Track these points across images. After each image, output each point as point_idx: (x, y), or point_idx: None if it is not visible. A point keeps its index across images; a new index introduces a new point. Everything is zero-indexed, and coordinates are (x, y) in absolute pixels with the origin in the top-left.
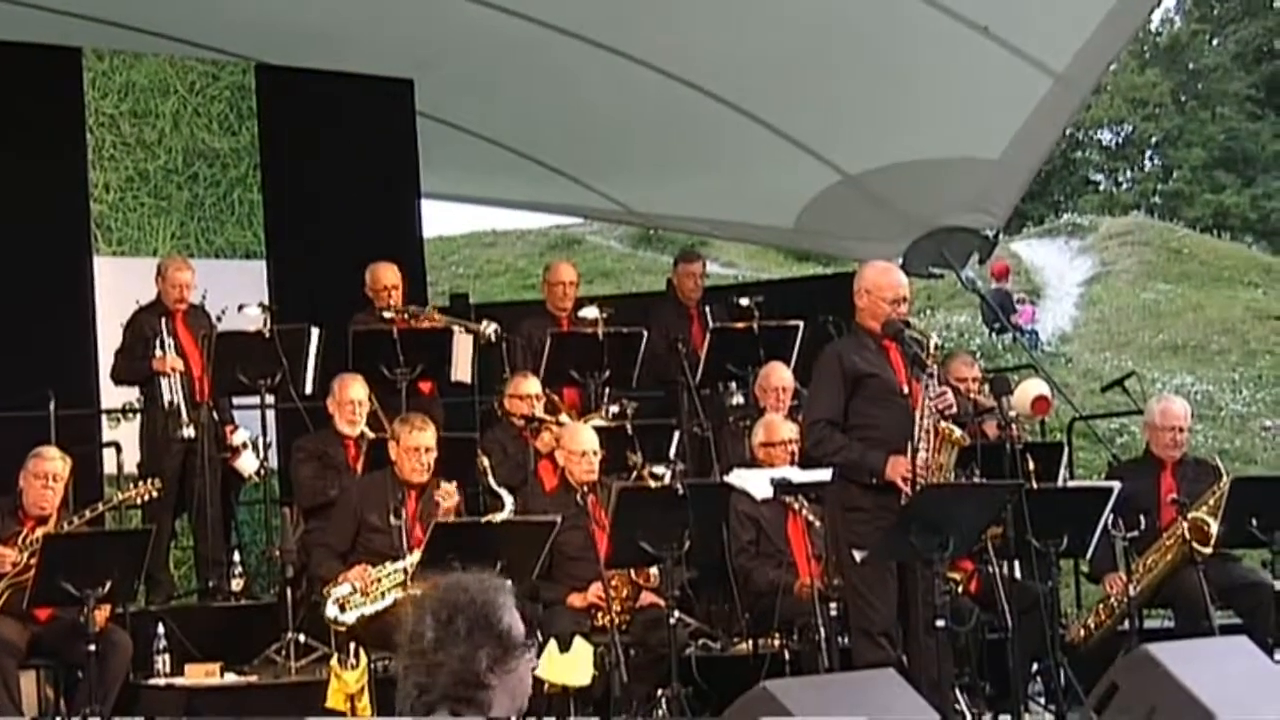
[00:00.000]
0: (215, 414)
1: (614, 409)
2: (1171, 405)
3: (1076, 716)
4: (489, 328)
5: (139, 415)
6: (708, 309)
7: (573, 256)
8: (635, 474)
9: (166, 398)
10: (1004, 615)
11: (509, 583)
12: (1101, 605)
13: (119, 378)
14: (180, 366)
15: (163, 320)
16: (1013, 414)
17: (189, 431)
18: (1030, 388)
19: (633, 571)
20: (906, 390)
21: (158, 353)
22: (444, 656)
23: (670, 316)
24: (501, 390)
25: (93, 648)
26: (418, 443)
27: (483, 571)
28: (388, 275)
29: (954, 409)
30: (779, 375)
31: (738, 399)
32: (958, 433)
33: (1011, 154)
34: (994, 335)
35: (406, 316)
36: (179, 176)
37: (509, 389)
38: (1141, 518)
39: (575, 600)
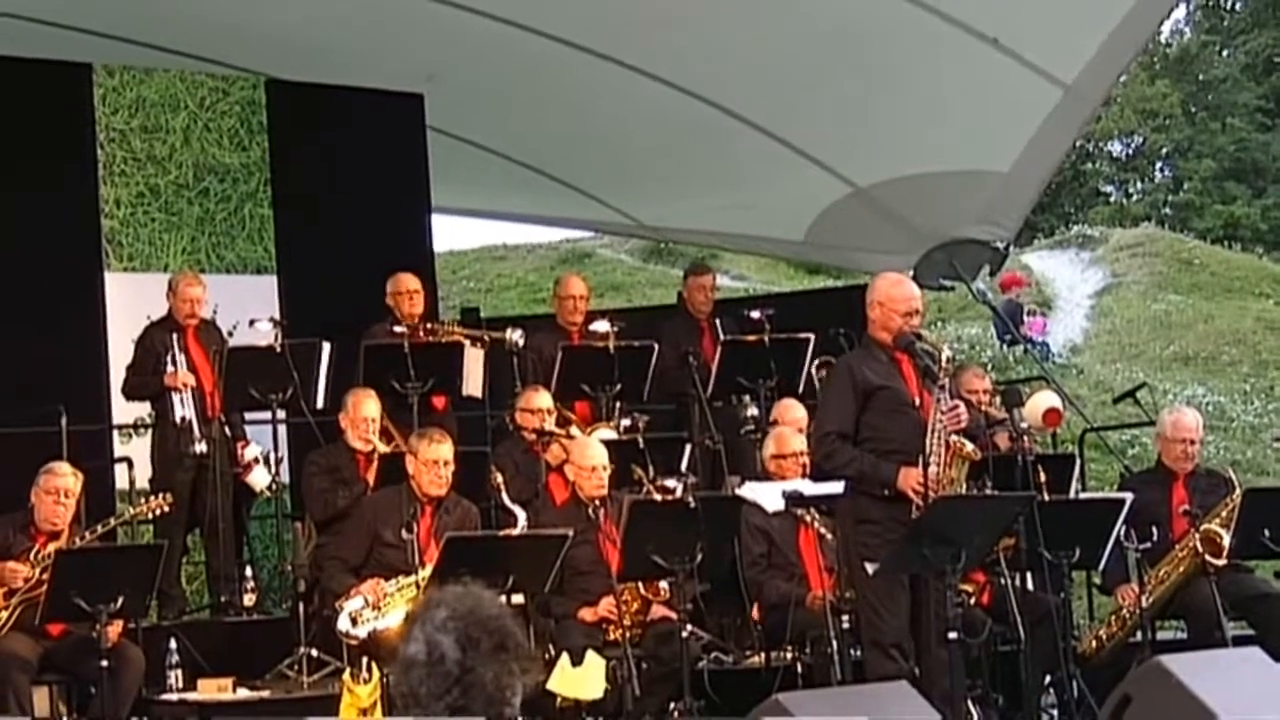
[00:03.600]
0: (227, 429)
1: (625, 422)
2: (1183, 417)
3: None
4: (514, 333)
5: (150, 431)
6: (718, 322)
7: (583, 270)
8: (643, 488)
9: (178, 413)
10: (1016, 627)
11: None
12: (1114, 617)
13: (130, 393)
14: (191, 382)
15: (174, 336)
16: (1024, 426)
17: (200, 447)
18: (1042, 400)
19: (642, 585)
20: (918, 403)
21: (169, 368)
22: (476, 677)
23: (681, 329)
24: (513, 404)
25: (105, 663)
26: (436, 455)
27: (474, 585)
28: (409, 280)
29: (965, 424)
30: (794, 412)
31: (751, 411)
32: (969, 447)
33: (1021, 166)
34: (1005, 347)
35: (424, 331)
36: (190, 192)
37: (520, 403)
38: (1154, 529)
39: (586, 614)
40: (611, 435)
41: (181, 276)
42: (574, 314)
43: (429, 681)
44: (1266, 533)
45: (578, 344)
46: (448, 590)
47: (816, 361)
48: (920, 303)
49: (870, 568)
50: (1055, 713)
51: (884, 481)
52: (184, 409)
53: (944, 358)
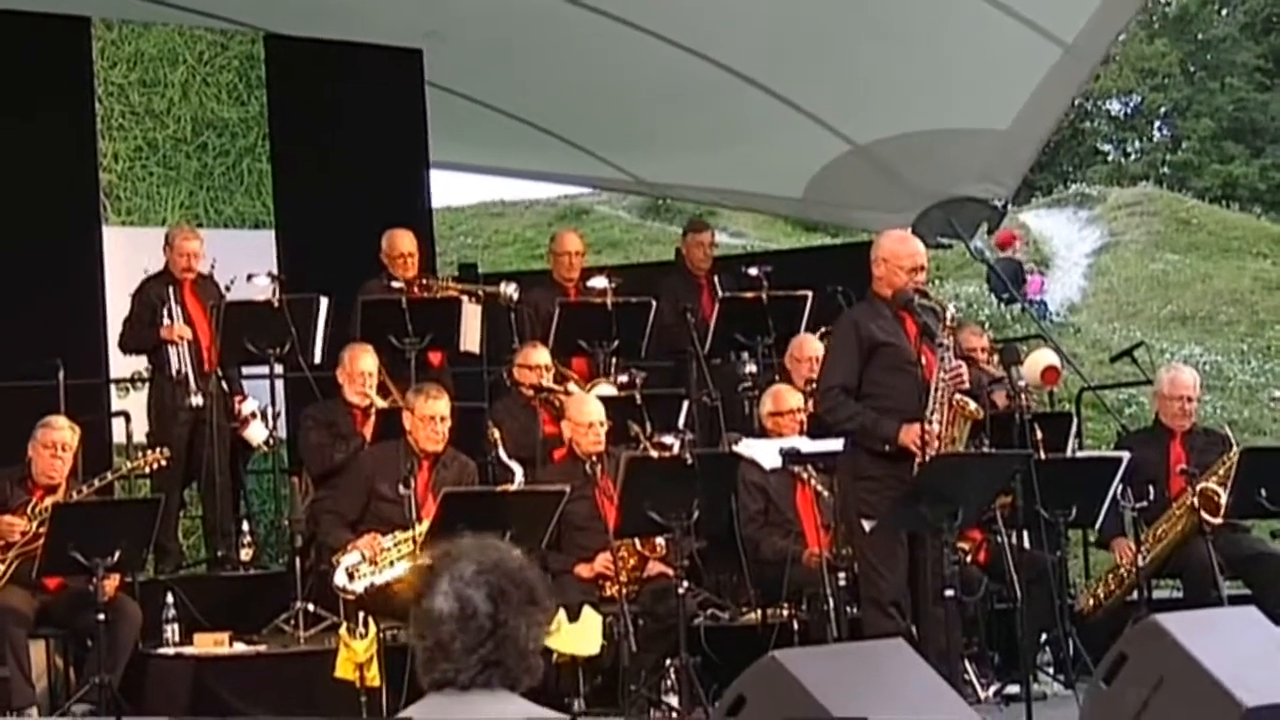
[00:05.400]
0: (224, 384)
1: (623, 379)
2: (1180, 374)
3: (1085, 686)
4: (509, 288)
5: (147, 385)
6: (717, 279)
7: (581, 227)
8: (639, 445)
9: (174, 366)
10: (1013, 585)
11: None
12: (1111, 575)
13: (127, 346)
14: (188, 335)
15: (170, 289)
16: (1022, 384)
17: (197, 400)
18: (1040, 358)
19: (639, 541)
20: (920, 361)
21: (165, 321)
22: (509, 630)
23: (680, 286)
24: (510, 360)
25: (102, 617)
26: (433, 411)
27: (488, 537)
28: (404, 242)
29: (967, 384)
30: (809, 346)
31: (750, 368)
32: (972, 406)
33: (1020, 124)
34: (1002, 305)
35: (419, 287)
36: (188, 146)
37: (518, 359)
38: (1150, 488)
39: (583, 570)
40: (610, 392)
41: (178, 230)
42: (570, 270)
43: (462, 636)
44: (1263, 492)
45: (576, 300)
46: (466, 542)
47: (822, 330)
48: (924, 259)
49: (867, 525)
50: (1051, 670)
51: (885, 437)
52: (180, 362)
53: (947, 315)
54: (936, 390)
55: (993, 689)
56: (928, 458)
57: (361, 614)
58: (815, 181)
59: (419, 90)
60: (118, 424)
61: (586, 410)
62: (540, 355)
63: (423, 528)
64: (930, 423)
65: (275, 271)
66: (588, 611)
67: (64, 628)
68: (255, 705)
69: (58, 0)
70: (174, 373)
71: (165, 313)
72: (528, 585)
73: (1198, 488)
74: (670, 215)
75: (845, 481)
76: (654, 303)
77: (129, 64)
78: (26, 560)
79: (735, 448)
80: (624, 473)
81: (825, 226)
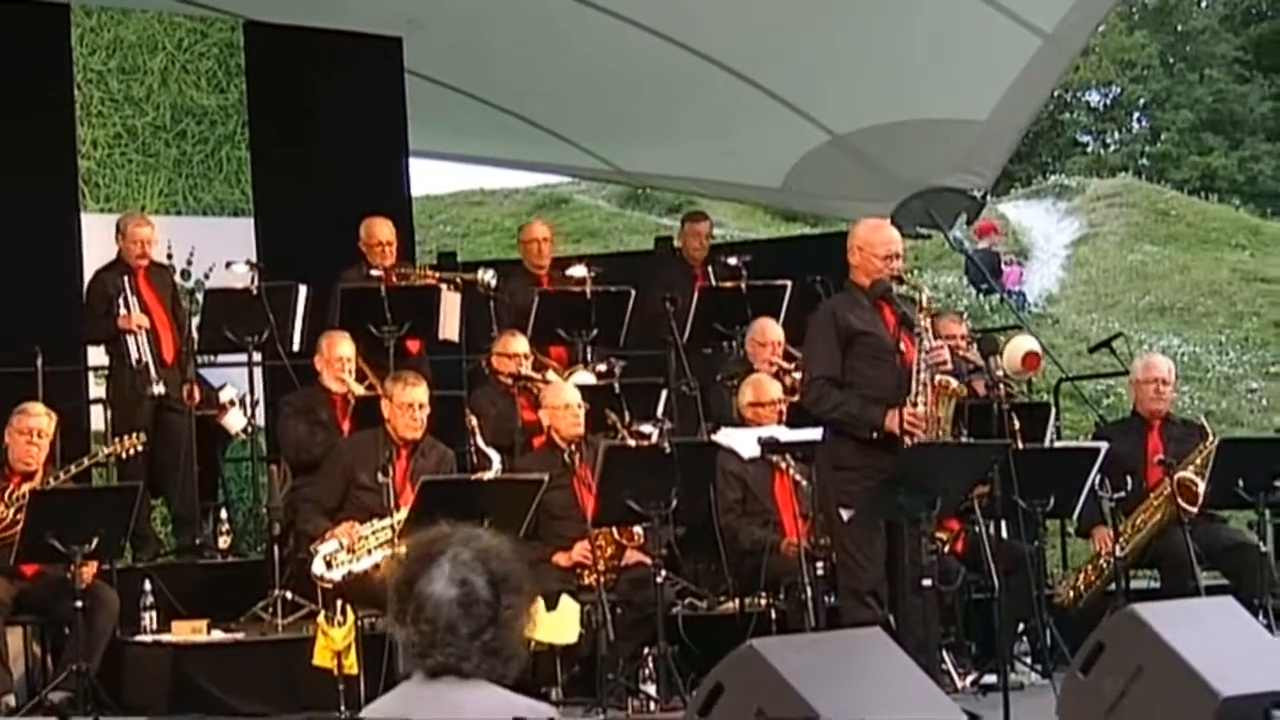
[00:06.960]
0: (183, 372)
1: (601, 367)
2: (1154, 359)
3: (1063, 676)
4: (486, 274)
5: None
6: (711, 269)
7: (560, 216)
8: (617, 434)
9: (134, 356)
10: (990, 575)
11: None
12: (1089, 566)
13: (87, 338)
14: (145, 324)
15: (124, 278)
16: (1000, 374)
17: (158, 389)
18: (1021, 344)
19: (617, 530)
20: (900, 348)
21: (121, 311)
22: (509, 616)
23: (675, 275)
24: (489, 349)
25: (79, 604)
26: (411, 399)
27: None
28: (383, 230)
29: (948, 364)
30: (772, 330)
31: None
32: (954, 384)
33: (1000, 115)
34: (981, 296)
35: (397, 275)
36: (167, 134)
37: (497, 347)
38: (1128, 478)
39: (561, 559)
40: (589, 380)
41: (130, 218)
42: (539, 257)
43: (465, 621)
44: (1240, 482)
45: (555, 289)
46: (459, 529)
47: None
48: (900, 246)
49: (846, 515)
50: (1028, 660)
51: (871, 423)
52: (139, 351)
53: (924, 298)
54: (918, 372)
55: (970, 678)
56: (915, 441)
57: (339, 602)
58: (794, 171)
59: (398, 78)
60: (96, 411)
61: (563, 393)
62: (519, 343)
63: (401, 516)
64: (915, 405)
65: (254, 259)
66: (565, 600)
67: (41, 615)
68: (233, 693)
69: None
70: (134, 362)
71: (121, 302)
72: (520, 574)
73: (1175, 477)
74: (649, 205)
75: (824, 471)
76: (632, 292)
77: (108, 51)
78: (3, 547)
79: (714, 437)
80: (602, 461)
81: (804, 216)
